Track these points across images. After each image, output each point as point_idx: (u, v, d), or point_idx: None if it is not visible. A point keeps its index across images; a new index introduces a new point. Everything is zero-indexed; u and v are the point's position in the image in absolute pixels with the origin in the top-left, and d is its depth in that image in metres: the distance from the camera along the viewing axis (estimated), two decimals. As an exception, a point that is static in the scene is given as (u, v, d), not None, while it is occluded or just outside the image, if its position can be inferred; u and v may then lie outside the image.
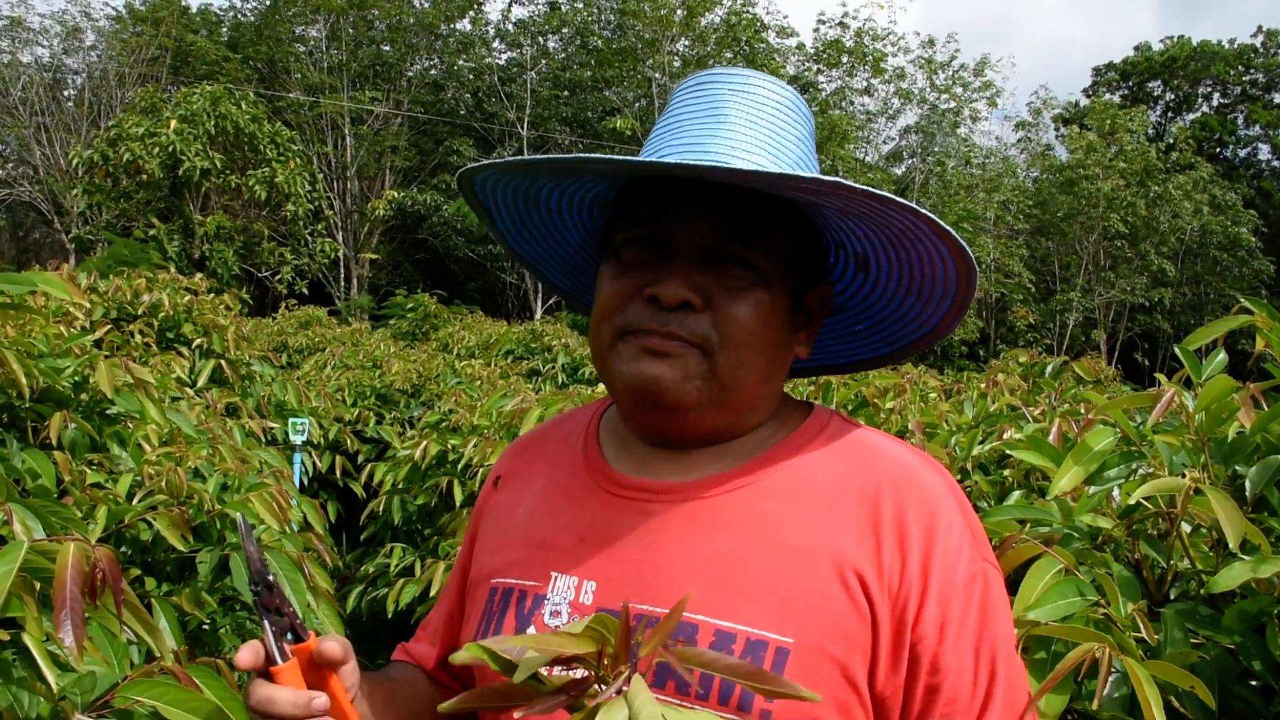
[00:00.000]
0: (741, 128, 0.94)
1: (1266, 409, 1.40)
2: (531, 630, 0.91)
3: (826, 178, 0.81)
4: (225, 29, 30.95)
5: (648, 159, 0.90)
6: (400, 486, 4.05)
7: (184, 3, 29.51)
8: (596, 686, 0.61)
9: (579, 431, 1.07)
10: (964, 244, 0.89)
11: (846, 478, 0.92)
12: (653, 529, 0.92)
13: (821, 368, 1.16)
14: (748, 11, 28.29)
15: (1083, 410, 2.06)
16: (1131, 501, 1.34)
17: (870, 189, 0.83)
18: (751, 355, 0.92)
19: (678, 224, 0.92)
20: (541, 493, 1.03)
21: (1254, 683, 1.24)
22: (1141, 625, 1.25)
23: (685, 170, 0.87)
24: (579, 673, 0.64)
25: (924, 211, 0.86)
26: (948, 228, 0.88)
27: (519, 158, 0.93)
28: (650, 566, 0.90)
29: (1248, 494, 1.35)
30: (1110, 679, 1.13)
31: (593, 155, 0.87)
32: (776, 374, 0.97)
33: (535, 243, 1.13)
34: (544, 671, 0.64)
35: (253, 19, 30.14)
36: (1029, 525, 1.49)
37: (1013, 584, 1.27)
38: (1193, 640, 1.26)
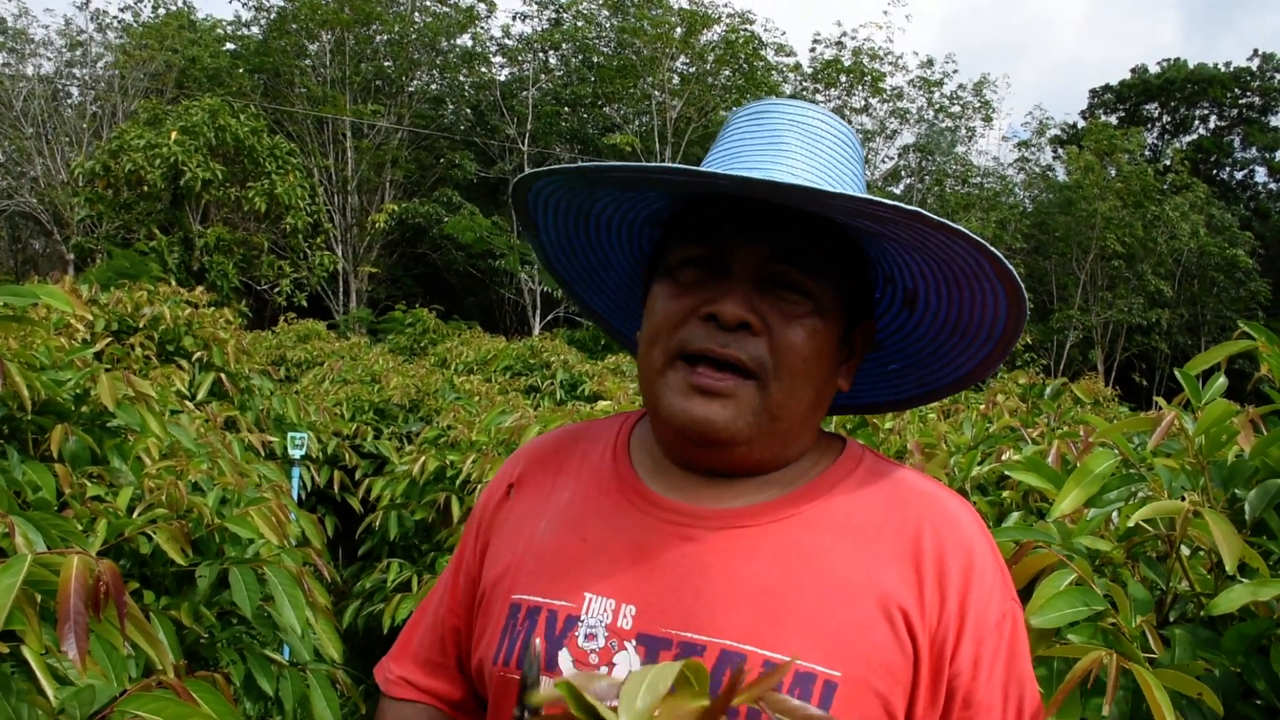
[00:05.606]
0: (802, 157, 0.92)
1: (1266, 433, 1.41)
2: (565, 653, 0.88)
3: (908, 206, 0.80)
4: (230, 44, 31.02)
5: (722, 171, 0.87)
6: (398, 501, 4.05)
7: (190, 17, 29.60)
8: None
9: (605, 445, 1.03)
10: (1022, 286, 0.88)
11: (886, 514, 0.91)
12: (694, 554, 0.89)
13: (849, 407, 1.15)
14: (745, 29, 28.45)
15: (1081, 432, 2.07)
16: (1131, 524, 1.35)
17: (948, 222, 0.82)
18: (803, 384, 0.90)
19: (737, 245, 0.90)
20: (566, 506, 0.99)
21: (1258, 702, 1.25)
22: (1150, 638, 1.26)
23: (766, 188, 0.84)
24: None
25: (991, 249, 0.85)
26: (1011, 269, 0.86)
27: (586, 164, 0.89)
28: (692, 593, 0.87)
29: (1247, 517, 1.35)
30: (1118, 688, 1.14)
31: (669, 165, 0.84)
32: (822, 405, 0.95)
33: (577, 261, 1.10)
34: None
35: (258, 33, 30.26)
36: (1029, 547, 1.49)
37: (1024, 595, 1.28)
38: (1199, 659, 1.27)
